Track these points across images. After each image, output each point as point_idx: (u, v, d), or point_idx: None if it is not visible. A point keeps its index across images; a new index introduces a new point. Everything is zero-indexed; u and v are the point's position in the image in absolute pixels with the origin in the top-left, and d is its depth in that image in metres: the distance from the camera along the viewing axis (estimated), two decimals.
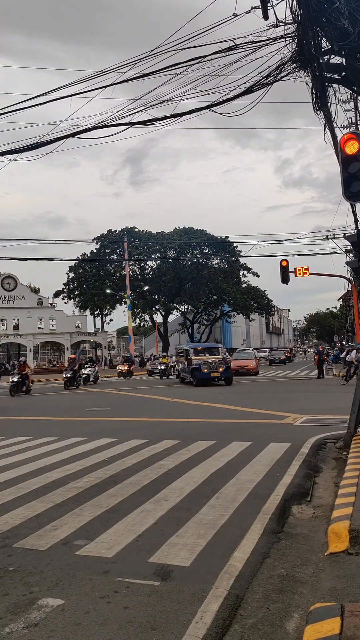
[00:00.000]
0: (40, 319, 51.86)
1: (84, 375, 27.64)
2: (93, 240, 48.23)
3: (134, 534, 4.57)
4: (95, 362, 33.98)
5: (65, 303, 51.25)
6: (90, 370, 28.66)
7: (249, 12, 7.37)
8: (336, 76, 7.69)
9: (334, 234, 27.06)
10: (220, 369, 23.52)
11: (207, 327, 54.39)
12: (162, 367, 32.59)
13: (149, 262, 49.07)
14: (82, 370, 27.81)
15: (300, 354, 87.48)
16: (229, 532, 4.53)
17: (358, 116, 23.91)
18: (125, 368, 34.57)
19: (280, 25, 7.25)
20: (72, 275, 49.35)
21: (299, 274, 25.77)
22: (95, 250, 48.41)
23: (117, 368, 36.74)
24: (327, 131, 8.14)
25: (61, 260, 55.67)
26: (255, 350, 42.86)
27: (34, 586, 3.64)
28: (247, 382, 25.82)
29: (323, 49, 7.24)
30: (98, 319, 58.00)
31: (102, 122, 8.63)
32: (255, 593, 3.44)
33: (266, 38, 7.45)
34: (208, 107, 8.07)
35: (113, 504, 5.47)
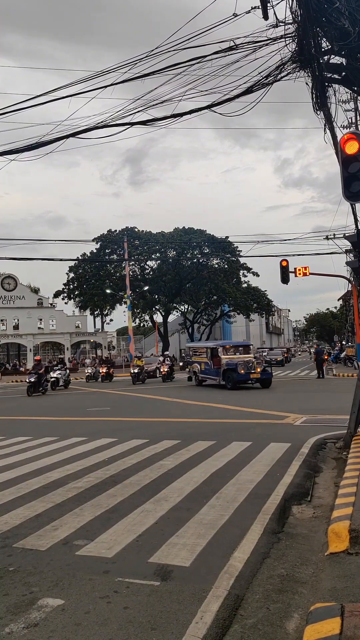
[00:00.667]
0: (40, 319, 51.90)
1: (53, 379, 25.03)
2: (93, 240, 48.18)
3: (134, 534, 4.57)
4: (65, 364, 30.84)
5: (65, 303, 51.25)
6: (59, 374, 25.87)
7: (249, 12, 7.36)
8: (336, 76, 7.69)
9: (334, 234, 26.99)
10: (259, 369, 20.49)
11: (207, 327, 54.35)
12: (136, 371, 28.00)
13: (149, 262, 49.03)
14: (51, 373, 25.38)
15: (300, 354, 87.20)
16: (229, 532, 4.53)
17: (358, 116, 23.88)
18: (104, 370, 30.88)
19: (280, 25, 7.24)
20: (72, 275, 49.31)
21: (299, 274, 25.72)
22: (95, 250, 48.37)
23: (86, 370, 32.91)
24: (327, 131, 8.12)
25: (61, 260, 55.55)
26: None
27: (34, 586, 3.64)
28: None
29: (323, 49, 7.24)
30: (98, 319, 58.03)
31: (102, 122, 8.62)
32: (256, 593, 3.44)
33: (266, 38, 7.45)
34: (208, 107, 8.07)
35: (113, 504, 5.48)
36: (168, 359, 30.07)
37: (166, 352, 36.37)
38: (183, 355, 52.91)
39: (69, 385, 26.72)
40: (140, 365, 28.58)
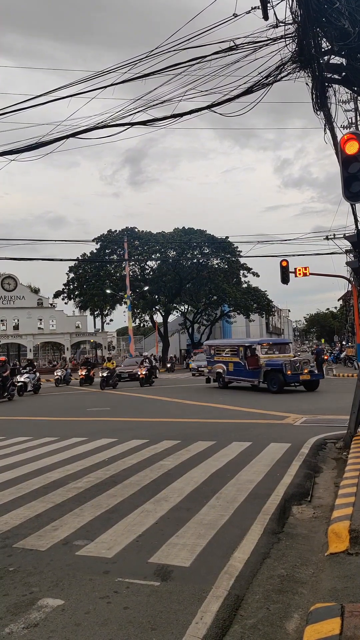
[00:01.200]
0: (40, 319, 51.88)
1: (20, 384, 22.05)
2: (93, 241, 48.17)
3: (134, 534, 4.57)
4: (35, 366, 26.97)
5: (66, 303, 51.26)
6: (27, 377, 22.83)
7: (249, 12, 7.36)
8: (336, 76, 7.69)
9: (334, 234, 27.01)
10: (306, 370, 18.26)
11: (207, 327, 54.35)
12: (105, 374, 24.19)
13: (149, 263, 49.01)
14: (17, 376, 22.54)
15: (299, 354, 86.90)
16: (229, 532, 4.53)
17: (358, 116, 23.88)
18: (84, 373, 27.38)
19: (280, 26, 7.24)
20: (72, 275, 49.31)
21: (299, 274, 25.72)
22: (95, 251, 48.38)
23: (55, 374, 28.67)
24: (327, 131, 8.12)
25: (61, 260, 55.64)
26: None
27: (34, 586, 3.64)
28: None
29: (323, 49, 7.24)
30: (98, 319, 58.05)
31: (102, 122, 8.62)
32: (256, 593, 3.44)
33: (266, 38, 7.44)
34: (208, 107, 8.07)
35: (113, 504, 5.48)
36: (146, 360, 26.76)
37: (144, 353, 31.91)
38: (185, 355, 52.90)
39: (39, 390, 23.85)
40: (110, 368, 24.91)
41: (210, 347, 24.07)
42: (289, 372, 17.98)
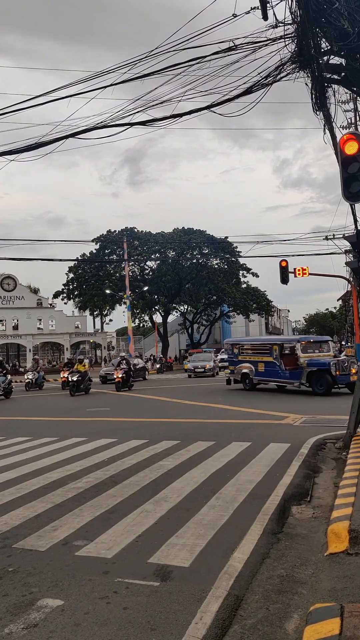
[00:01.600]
0: (40, 320, 51.88)
1: None
2: (93, 241, 48.19)
3: (133, 534, 4.57)
4: (6, 368, 24.67)
5: (65, 303, 51.27)
6: None
7: (248, 12, 7.37)
8: (335, 77, 7.69)
9: (334, 235, 27.05)
10: (354, 370, 16.32)
11: (206, 327, 54.38)
12: (75, 378, 21.43)
13: (148, 263, 49.00)
14: None
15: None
16: (229, 532, 4.53)
17: (357, 116, 23.90)
18: (65, 375, 23.87)
19: (279, 26, 7.25)
20: (71, 275, 49.35)
21: (299, 274, 25.73)
22: (94, 251, 48.41)
23: (25, 376, 26.48)
24: (327, 132, 8.12)
25: (60, 260, 55.81)
26: None
27: (34, 587, 3.64)
28: None
29: (322, 50, 7.24)
30: (98, 319, 58.07)
31: (101, 122, 8.62)
32: (255, 593, 3.44)
33: (266, 38, 7.45)
34: (207, 107, 8.07)
35: (113, 505, 5.48)
36: (124, 362, 23.89)
37: (122, 354, 29.42)
38: (185, 355, 52.85)
39: (10, 394, 21.84)
40: (81, 371, 22.07)
41: (233, 345, 21.44)
42: (337, 373, 16.22)
